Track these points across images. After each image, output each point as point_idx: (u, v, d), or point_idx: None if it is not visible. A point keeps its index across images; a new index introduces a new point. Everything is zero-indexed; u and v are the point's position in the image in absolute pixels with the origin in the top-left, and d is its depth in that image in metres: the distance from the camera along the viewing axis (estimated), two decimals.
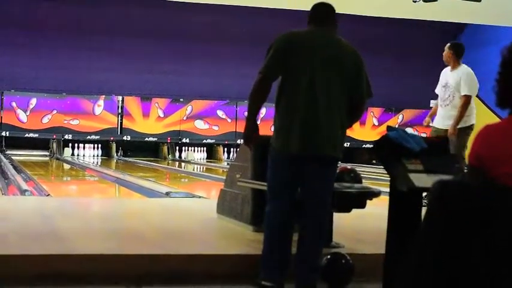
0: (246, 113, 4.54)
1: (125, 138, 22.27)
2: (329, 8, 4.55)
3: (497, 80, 2.78)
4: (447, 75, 8.41)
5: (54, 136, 21.67)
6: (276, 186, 4.39)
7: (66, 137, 21.73)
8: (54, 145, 21.87)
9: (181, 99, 22.60)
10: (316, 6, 4.55)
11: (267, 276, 4.29)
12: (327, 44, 4.40)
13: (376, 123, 23.85)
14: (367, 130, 23.37)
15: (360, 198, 5.01)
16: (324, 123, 4.24)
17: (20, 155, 20.50)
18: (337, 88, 4.31)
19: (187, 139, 22.77)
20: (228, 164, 17.92)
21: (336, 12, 4.58)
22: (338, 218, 5.21)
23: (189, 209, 7.60)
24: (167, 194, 10.03)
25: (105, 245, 4.90)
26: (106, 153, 22.48)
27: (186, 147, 23.22)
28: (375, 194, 5.05)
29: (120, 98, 22.22)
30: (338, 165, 4.80)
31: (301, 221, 4.36)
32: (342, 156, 4.38)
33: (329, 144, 4.27)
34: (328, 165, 4.36)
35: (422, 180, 3.61)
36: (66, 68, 21.46)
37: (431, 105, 24.82)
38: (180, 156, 23.10)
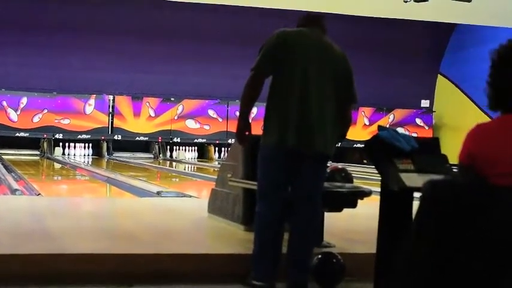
0: (237, 112, 4.54)
1: (115, 137, 22.24)
2: (317, 15, 4.63)
3: (488, 83, 2.78)
4: None
5: (45, 135, 21.63)
6: (267, 185, 4.38)
7: (56, 136, 21.70)
8: (45, 144, 21.83)
9: (172, 99, 22.58)
10: (305, 15, 4.63)
11: (258, 276, 4.29)
12: (319, 44, 4.42)
13: (367, 123, 23.90)
14: (358, 130, 23.39)
15: (351, 198, 5.02)
16: (316, 120, 4.27)
17: (10, 154, 20.45)
18: (329, 87, 4.34)
19: (179, 138, 22.77)
20: (219, 163, 17.92)
21: (328, 12, 4.63)
22: (329, 217, 5.22)
23: (180, 209, 7.59)
24: (158, 193, 10.02)
25: (96, 245, 4.89)
26: (97, 153, 22.44)
27: (177, 147, 23.22)
28: (366, 193, 5.06)
29: (111, 97, 22.20)
30: (329, 164, 4.82)
31: (292, 220, 4.36)
32: (332, 155, 4.40)
33: (321, 141, 4.29)
34: (320, 162, 4.38)
35: (413, 179, 3.61)
36: (57, 67, 21.43)
37: (422, 106, 24.88)
38: (171, 156, 23.09)
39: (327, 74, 4.35)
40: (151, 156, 22.90)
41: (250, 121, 4.45)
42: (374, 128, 21.96)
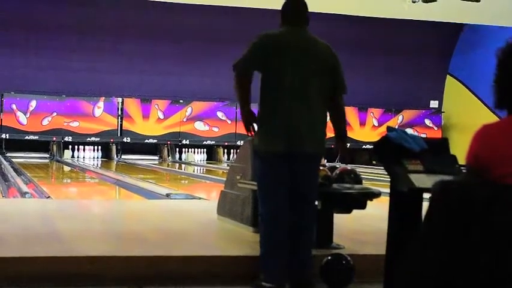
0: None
1: (125, 139, 22.27)
2: (301, 5, 4.57)
3: (494, 82, 2.79)
4: None
5: (54, 138, 21.68)
6: (266, 187, 4.42)
7: (66, 139, 21.74)
8: (54, 147, 21.89)
9: (181, 101, 22.60)
10: (288, 5, 4.58)
11: (267, 277, 4.30)
12: (303, 43, 4.45)
13: (376, 124, 23.86)
14: (367, 131, 23.38)
15: (360, 199, 5.02)
16: (306, 123, 4.34)
17: (20, 157, 20.51)
18: (318, 84, 4.40)
19: (187, 140, 22.78)
20: (228, 165, 17.93)
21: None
22: (338, 219, 5.21)
23: (189, 211, 7.60)
24: (167, 195, 10.04)
25: (106, 247, 4.90)
26: (106, 155, 22.48)
27: (186, 149, 23.23)
28: (375, 194, 5.05)
29: (120, 99, 22.23)
30: (338, 165, 4.85)
31: (289, 219, 4.40)
32: (324, 149, 4.46)
33: (312, 143, 4.37)
34: (312, 162, 4.44)
35: (423, 180, 3.60)
36: (66, 70, 21.47)
37: (431, 106, 24.84)
38: (180, 158, 23.10)
39: (315, 71, 4.40)
40: (157, 158, 22.93)
41: (252, 112, 4.47)
42: (383, 129, 21.92)
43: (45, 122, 21.53)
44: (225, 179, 6.92)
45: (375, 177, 12.98)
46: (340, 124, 4.60)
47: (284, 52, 4.38)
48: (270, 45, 4.41)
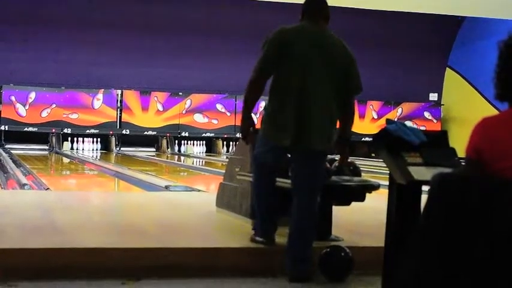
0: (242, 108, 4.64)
1: (124, 131, 22.27)
2: (322, 2, 4.56)
3: (496, 74, 2.78)
4: None
5: (53, 130, 21.68)
6: (265, 144, 4.54)
7: (65, 130, 21.75)
8: (54, 139, 21.89)
9: (181, 93, 22.59)
10: (310, 1, 4.57)
11: (260, 233, 4.62)
12: (318, 41, 4.42)
13: (375, 117, 23.87)
14: (366, 123, 23.39)
15: (360, 192, 5.01)
16: (313, 119, 4.33)
17: (19, 149, 20.51)
18: (329, 82, 4.38)
19: (187, 133, 22.78)
20: (227, 157, 17.93)
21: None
22: (337, 211, 5.21)
23: (188, 203, 7.60)
24: (166, 187, 10.04)
25: (105, 239, 4.90)
26: (105, 147, 22.49)
27: (186, 141, 23.24)
28: (374, 187, 5.05)
29: (119, 91, 22.23)
30: (337, 158, 4.87)
31: (291, 212, 4.42)
32: (330, 147, 4.50)
33: (316, 140, 4.37)
34: (316, 158, 4.45)
35: (422, 173, 3.60)
36: (65, 62, 21.46)
37: (430, 99, 24.86)
38: (179, 150, 23.11)
39: (328, 69, 4.38)
40: (153, 149, 22.95)
41: (253, 119, 4.57)
42: (382, 122, 21.93)
43: (45, 113, 21.53)
44: (224, 171, 6.91)
45: (374, 170, 12.99)
46: (346, 124, 4.59)
47: (298, 49, 4.36)
48: (285, 42, 4.39)
